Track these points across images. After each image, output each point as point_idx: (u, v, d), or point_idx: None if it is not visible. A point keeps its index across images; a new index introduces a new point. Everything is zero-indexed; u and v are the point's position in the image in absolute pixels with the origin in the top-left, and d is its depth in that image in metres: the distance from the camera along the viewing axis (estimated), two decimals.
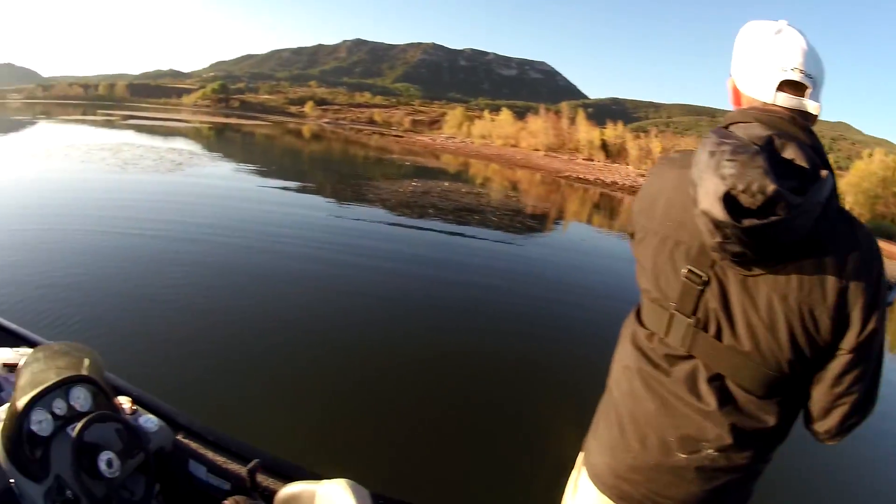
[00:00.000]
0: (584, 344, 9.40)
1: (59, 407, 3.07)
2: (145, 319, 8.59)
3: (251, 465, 3.29)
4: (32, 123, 65.06)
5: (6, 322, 4.85)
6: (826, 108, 1.73)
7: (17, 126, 58.39)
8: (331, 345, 8.45)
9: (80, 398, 3.19)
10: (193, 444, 3.61)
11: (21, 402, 2.95)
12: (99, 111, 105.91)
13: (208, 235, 13.89)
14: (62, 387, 3.13)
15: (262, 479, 3.33)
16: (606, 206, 33.09)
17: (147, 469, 3.20)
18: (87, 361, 3.40)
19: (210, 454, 3.55)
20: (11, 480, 2.83)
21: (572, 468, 2.35)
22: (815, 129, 1.71)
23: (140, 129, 62.80)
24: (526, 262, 15.14)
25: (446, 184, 30.22)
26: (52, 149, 31.93)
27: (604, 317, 10.84)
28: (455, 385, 7.63)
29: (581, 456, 2.28)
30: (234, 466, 3.45)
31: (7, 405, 3.10)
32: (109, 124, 68.40)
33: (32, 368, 3.18)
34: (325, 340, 8.56)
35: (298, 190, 24.85)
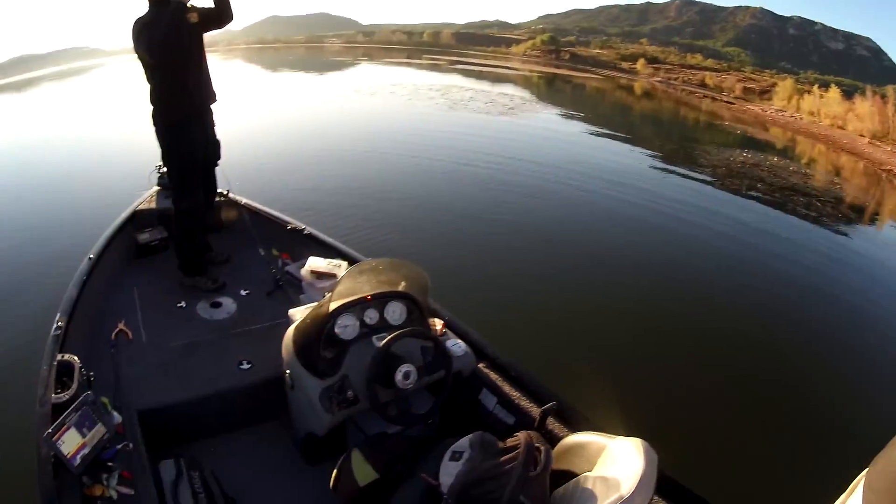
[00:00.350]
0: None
1: (371, 317, 3.47)
2: (464, 246, 9.33)
3: (547, 406, 3.32)
4: (354, 64, 69.07)
5: (325, 237, 5.79)
6: None
7: (338, 66, 62.35)
8: (651, 310, 8.43)
9: (395, 312, 3.57)
10: (492, 375, 3.80)
11: (332, 306, 3.31)
12: (424, 56, 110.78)
13: (543, 179, 14.51)
14: (379, 300, 3.51)
15: (550, 421, 3.32)
16: None
17: (437, 389, 3.45)
18: (406, 281, 3.67)
19: (506, 388, 3.68)
20: (287, 371, 3.42)
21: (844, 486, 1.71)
22: None
23: (468, 73, 64.42)
24: (841, 256, 14.00)
25: (775, 159, 28.43)
26: (377, 86, 33.44)
27: None
28: (754, 374, 7.30)
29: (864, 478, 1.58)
30: (525, 403, 3.54)
31: (313, 304, 3.81)
32: (436, 68, 71.24)
33: (354, 277, 3.52)
34: (647, 298, 8.70)
35: (631, 145, 24.36)
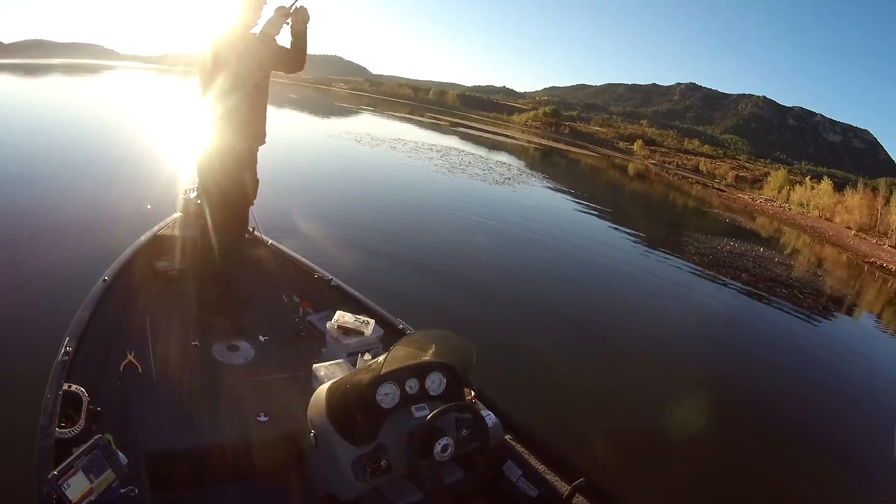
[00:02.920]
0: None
1: (411, 386, 3.44)
2: (491, 315, 9.36)
3: (577, 482, 3.37)
4: (358, 112, 68.36)
5: (352, 290, 5.64)
6: None
7: (343, 112, 61.61)
8: (669, 390, 8.61)
9: (435, 383, 3.57)
10: (519, 447, 3.81)
11: (378, 372, 3.27)
12: (427, 114, 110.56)
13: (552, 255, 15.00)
14: (422, 369, 3.52)
15: (578, 499, 3.37)
16: None
17: (468, 460, 3.39)
18: (451, 352, 3.68)
19: (532, 460, 3.70)
20: (312, 432, 3.31)
21: None
22: None
23: (467, 137, 64.74)
24: (810, 347, 14.14)
25: (760, 249, 28.66)
26: (378, 139, 33.49)
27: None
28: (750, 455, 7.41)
29: None
30: (551, 478, 3.57)
31: (338, 362, 4.19)
32: (437, 127, 71.68)
33: (403, 346, 3.48)
34: (668, 386, 8.77)
35: (618, 227, 24.30)
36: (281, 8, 4.80)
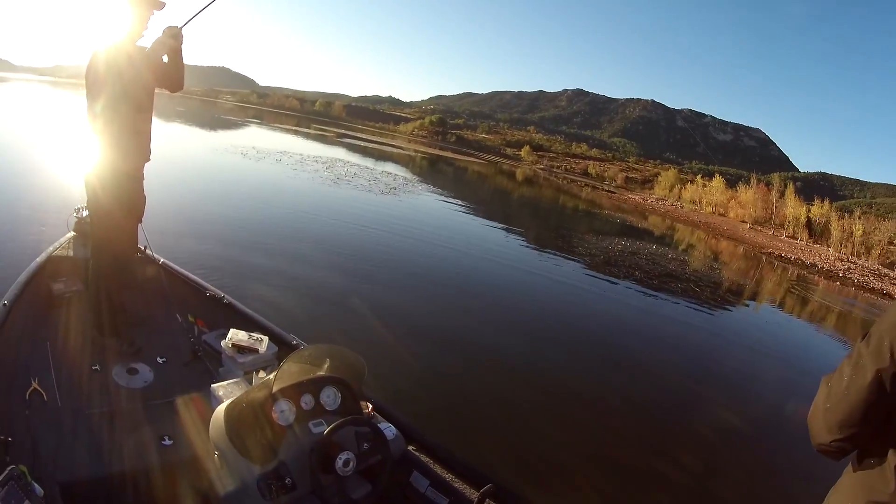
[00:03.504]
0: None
1: (306, 402, 3.42)
2: (381, 325, 9.14)
3: (486, 488, 3.42)
4: (244, 125, 68.24)
5: (244, 308, 5.62)
6: None
7: (228, 125, 61.49)
8: (565, 382, 8.89)
9: (330, 398, 3.55)
10: (423, 458, 3.83)
11: (270, 389, 3.28)
12: (313, 125, 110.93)
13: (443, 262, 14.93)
14: (315, 384, 3.51)
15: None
16: (803, 288, 31.06)
17: (370, 472, 3.40)
18: (342, 366, 3.71)
19: (438, 469, 3.74)
20: (216, 453, 3.20)
21: None
22: None
23: (354, 148, 64.81)
24: (714, 337, 14.55)
25: (653, 247, 29.30)
26: (265, 151, 33.19)
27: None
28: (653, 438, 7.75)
29: None
30: (459, 485, 3.62)
31: (235, 381, 4.04)
32: (323, 139, 71.83)
33: (293, 362, 3.46)
34: (562, 376, 9.05)
35: (506, 231, 24.51)
36: (170, 28, 4.69)
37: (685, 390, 10.07)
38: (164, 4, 4.72)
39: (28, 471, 2.67)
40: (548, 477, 5.98)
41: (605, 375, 9.66)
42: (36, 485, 2.66)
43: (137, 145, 4.91)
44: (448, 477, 3.67)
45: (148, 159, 5.11)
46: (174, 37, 4.71)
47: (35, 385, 4.07)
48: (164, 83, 4.95)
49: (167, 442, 3.89)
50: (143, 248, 6.10)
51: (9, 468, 2.57)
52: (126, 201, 5.00)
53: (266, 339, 4.89)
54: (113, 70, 4.56)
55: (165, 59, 4.85)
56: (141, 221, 5.39)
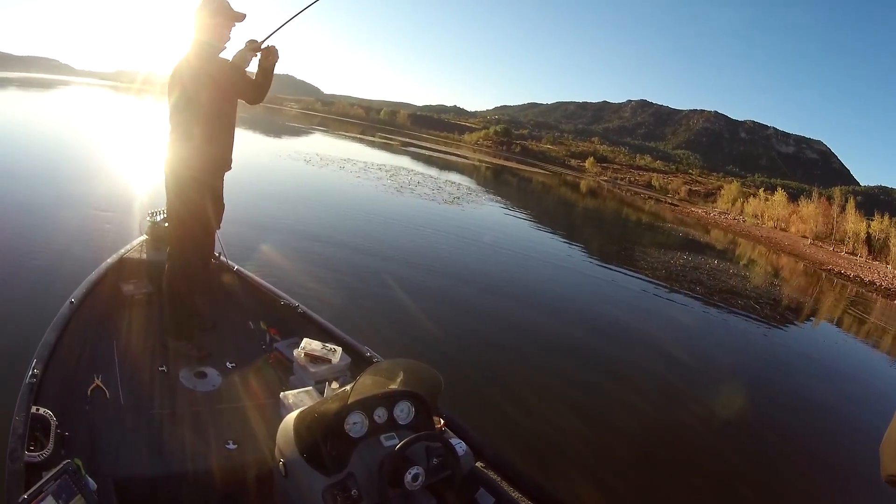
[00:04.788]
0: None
1: (380, 415, 3.34)
2: (449, 340, 9.00)
3: None
4: (309, 132, 68.78)
5: (319, 318, 5.53)
6: None
7: (293, 132, 61.60)
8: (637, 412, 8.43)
9: (404, 412, 3.45)
10: (491, 475, 3.70)
11: (345, 401, 3.20)
12: (378, 133, 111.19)
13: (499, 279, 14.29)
14: (390, 398, 3.40)
15: None
16: (861, 307, 30.11)
17: (440, 489, 3.33)
18: (419, 381, 3.61)
19: (505, 487, 3.61)
20: (281, 460, 3.20)
21: None
22: None
23: (418, 157, 64.76)
24: (771, 357, 14.16)
25: (715, 262, 28.83)
26: (328, 159, 33.40)
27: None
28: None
29: None
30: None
31: (307, 389, 4.19)
32: (388, 147, 71.58)
33: (369, 375, 3.46)
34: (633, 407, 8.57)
35: (571, 244, 24.52)
36: (252, 41, 4.73)
37: (750, 413, 9.67)
38: (244, 17, 4.76)
39: (83, 464, 2.72)
40: (619, 500, 5.83)
41: (679, 400, 9.41)
42: (90, 479, 2.72)
43: (212, 154, 4.89)
44: (515, 495, 3.54)
45: (229, 168, 5.15)
46: (271, 57, 4.78)
47: (98, 382, 4.10)
48: (248, 96, 4.98)
49: (231, 446, 3.86)
50: (218, 255, 6.18)
51: (64, 462, 2.60)
52: (203, 209, 5.02)
53: (339, 349, 4.85)
54: (189, 79, 4.58)
55: (250, 69, 4.86)
56: (219, 228, 5.45)
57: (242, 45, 4.72)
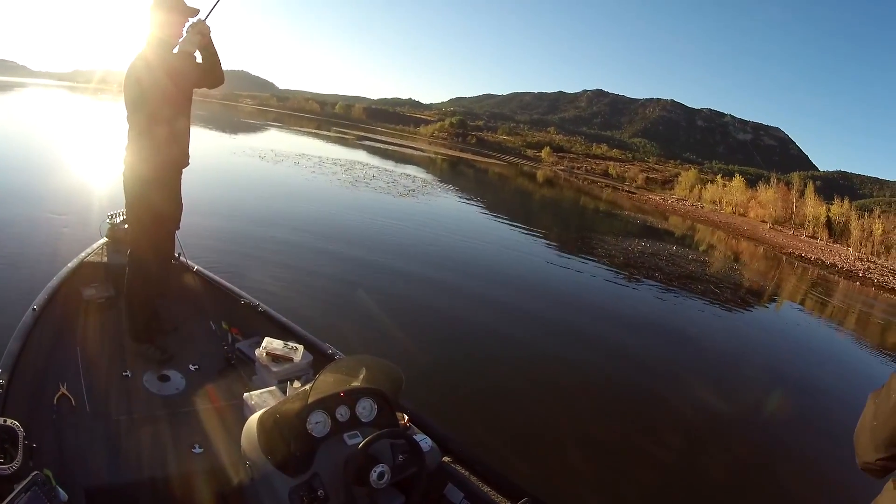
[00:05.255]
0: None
1: (342, 413, 3.36)
2: (410, 335, 8.90)
3: (521, 502, 3.29)
4: (264, 129, 68.64)
5: (280, 316, 5.52)
6: None
7: (248, 128, 61.63)
8: (598, 391, 8.81)
9: (366, 409, 3.49)
10: (458, 469, 3.72)
11: (306, 401, 3.21)
12: (333, 128, 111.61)
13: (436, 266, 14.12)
14: (353, 396, 3.45)
15: None
16: (822, 289, 30.88)
17: (407, 486, 3.37)
18: (380, 377, 3.66)
19: (473, 482, 3.64)
20: (247, 462, 3.22)
21: None
22: None
23: (374, 150, 64.91)
24: (735, 339, 14.54)
25: (673, 248, 29.08)
26: (284, 154, 34.36)
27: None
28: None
29: None
30: (494, 498, 3.52)
31: (270, 389, 4.12)
32: (343, 142, 71.85)
33: (329, 373, 3.45)
34: (590, 386, 8.92)
35: (528, 233, 24.47)
36: (194, 24, 4.70)
37: (718, 396, 9.71)
38: (197, 11, 4.72)
39: (53, 476, 2.67)
40: (585, 493, 5.88)
41: (641, 384, 9.50)
42: (61, 490, 2.65)
43: (171, 151, 4.89)
44: (484, 489, 3.59)
45: (186, 164, 5.14)
46: (200, 32, 4.71)
47: (63, 390, 4.07)
48: (204, 82, 4.94)
49: (197, 450, 3.88)
50: (177, 256, 6.11)
51: (33, 473, 2.56)
52: (163, 208, 5.02)
53: (301, 348, 4.86)
54: (144, 75, 4.56)
55: (199, 57, 4.86)
56: (179, 228, 5.42)
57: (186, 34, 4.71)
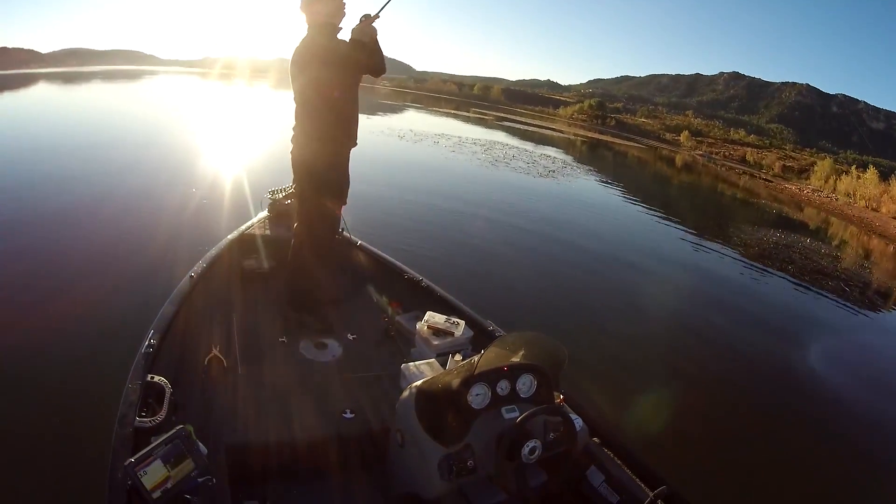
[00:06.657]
0: None
1: (502, 387, 3.40)
2: (572, 315, 9.31)
3: (659, 490, 3.24)
4: (402, 109, 68.89)
5: (442, 292, 5.62)
6: None
7: (387, 109, 61.52)
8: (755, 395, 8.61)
9: (526, 385, 3.51)
10: (604, 452, 3.74)
11: (471, 372, 3.26)
12: (472, 109, 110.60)
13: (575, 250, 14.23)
14: (515, 371, 3.46)
15: None
16: None
17: (552, 463, 3.46)
18: (543, 354, 3.65)
19: (615, 466, 3.63)
20: (399, 430, 3.33)
21: None
22: None
23: (513, 131, 64.18)
24: (858, 346, 13.58)
25: (807, 241, 28.23)
26: (422, 134, 34.68)
27: None
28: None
29: None
30: (633, 484, 3.50)
31: (429, 361, 4.29)
32: (482, 122, 71.19)
33: (496, 347, 3.55)
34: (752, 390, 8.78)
35: (666, 219, 24.59)
36: (366, 15, 4.82)
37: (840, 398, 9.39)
38: None
39: (195, 430, 2.85)
40: (730, 487, 5.92)
41: (795, 389, 9.20)
42: (201, 444, 2.85)
43: (338, 131, 5.04)
44: (624, 474, 3.58)
45: (354, 144, 5.26)
46: (370, 23, 4.78)
47: (215, 352, 4.22)
48: (370, 70, 5.03)
49: (348, 415, 4.01)
50: (341, 230, 6.30)
51: (177, 427, 2.74)
52: (331, 185, 5.19)
53: (462, 323, 4.88)
54: (301, 64, 4.79)
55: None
56: (345, 203, 5.57)
57: (357, 22, 4.80)
